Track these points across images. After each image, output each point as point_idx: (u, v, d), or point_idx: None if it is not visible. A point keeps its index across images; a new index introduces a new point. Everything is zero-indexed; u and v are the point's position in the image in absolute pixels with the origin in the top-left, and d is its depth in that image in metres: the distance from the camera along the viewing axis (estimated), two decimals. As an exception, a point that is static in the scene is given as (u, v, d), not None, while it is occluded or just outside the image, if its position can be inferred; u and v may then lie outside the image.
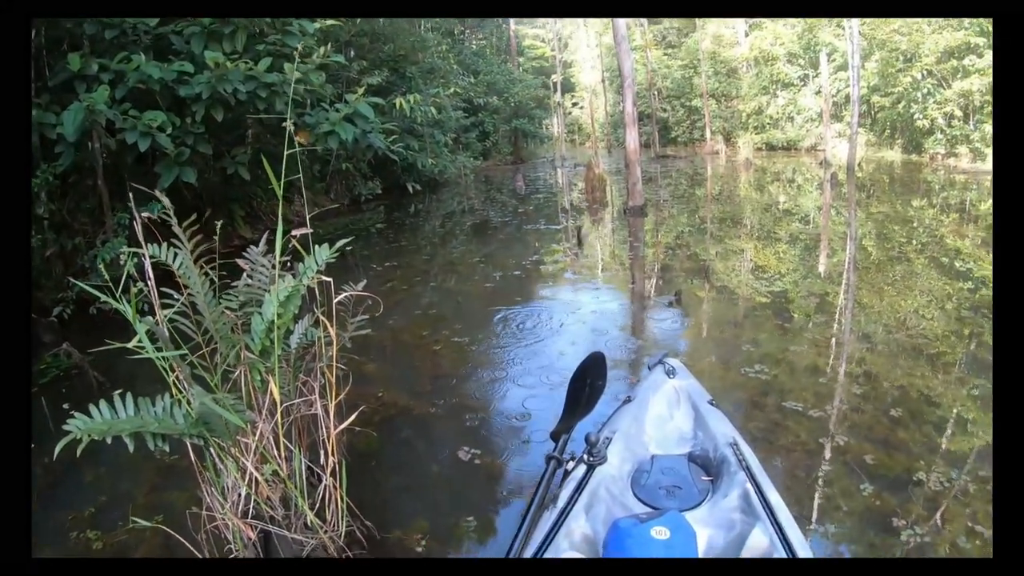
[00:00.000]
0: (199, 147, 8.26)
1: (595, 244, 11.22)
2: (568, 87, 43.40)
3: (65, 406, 5.62)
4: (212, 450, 3.19)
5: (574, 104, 46.00)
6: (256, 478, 3.08)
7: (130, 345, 2.81)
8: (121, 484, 4.45)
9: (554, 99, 34.29)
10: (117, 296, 2.83)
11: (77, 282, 4.33)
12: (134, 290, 2.90)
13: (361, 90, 9.28)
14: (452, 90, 19.45)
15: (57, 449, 2.56)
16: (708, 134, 31.82)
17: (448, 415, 4.91)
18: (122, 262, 2.99)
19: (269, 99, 8.32)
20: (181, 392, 2.94)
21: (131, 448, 2.70)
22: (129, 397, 2.83)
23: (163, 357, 2.88)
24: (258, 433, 3.08)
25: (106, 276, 3.02)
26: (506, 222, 13.40)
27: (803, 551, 2.34)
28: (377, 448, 4.45)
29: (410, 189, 17.11)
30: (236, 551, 3.27)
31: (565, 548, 2.54)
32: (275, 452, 3.13)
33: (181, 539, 3.33)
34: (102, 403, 2.77)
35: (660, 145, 32.40)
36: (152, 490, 4.30)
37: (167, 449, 2.87)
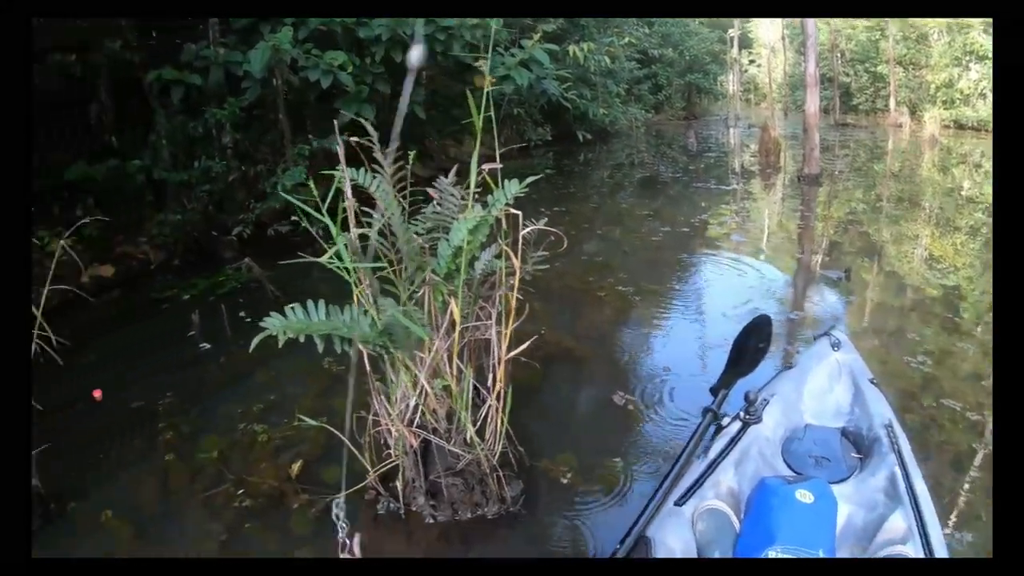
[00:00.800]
0: (378, 86, 8.59)
1: (763, 210, 10.90)
2: (746, 43, 41.36)
3: (241, 314, 6.26)
4: (387, 361, 3.43)
5: (751, 61, 43.83)
6: (427, 390, 3.28)
7: (324, 259, 3.00)
8: (290, 388, 4.87)
9: (731, 55, 32.91)
10: (322, 211, 3.02)
11: (282, 196, 4.56)
12: (343, 205, 3.09)
13: (536, 36, 9.30)
14: (626, 40, 18.99)
15: (254, 342, 2.82)
16: (892, 104, 29.27)
17: (606, 360, 4.99)
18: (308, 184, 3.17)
19: (447, 42, 8.51)
20: (365, 305, 3.14)
21: (321, 348, 2.94)
22: (321, 304, 3.05)
23: (356, 269, 3.09)
24: (434, 349, 3.27)
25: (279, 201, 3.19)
26: (675, 178, 13.19)
27: (939, 546, 2.30)
28: (537, 382, 4.62)
29: (580, 138, 17.00)
30: (396, 456, 3.51)
31: (710, 497, 2.61)
32: (447, 369, 3.32)
33: (343, 438, 3.60)
34: (296, 306, 2.99)
35: (840, 112, 30.30)
36: (319, 395, 4.68)
37: (351, 353, 3.09)
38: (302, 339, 2.91)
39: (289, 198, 3.54)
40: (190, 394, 5.08)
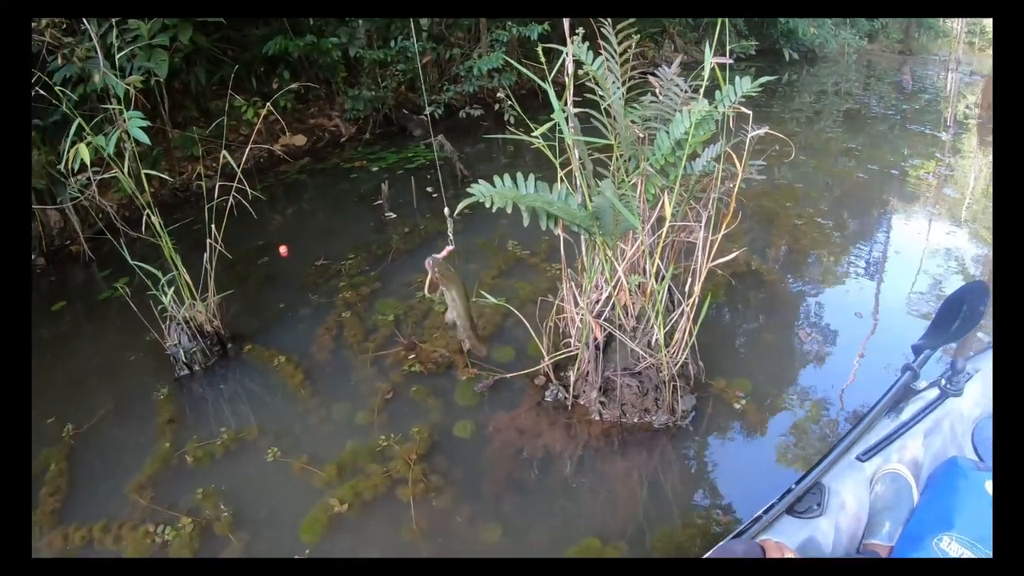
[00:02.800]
0: None
1: (981, 168, 9.91)
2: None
3: (428, 189, 6.34)
4: (586, 247, 3.32)
5: None
6: (623, 284, 3.13)
7: (534, 134, 2.86)
8: (472, 264, 4.88)
9: (960, -11, 29.81)
10: (511, 98, 2.87)
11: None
12: (571, 76, 2.93)
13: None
14: (845, -52, 17.44)
15: (460, 206, 2.85)
16: None
17: (795, 290, 4.70)
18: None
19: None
20: (581, 186, 3.00)
21: (526, 222, 2.84)
22: (531, 177, 2.93)
23: (567, 150, 2.93)
24: (637, 243, 3.10)
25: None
26: (884, 116, 12.15)
27: None
28: (725, 299, 4.40)
29: (786, 56, 15.99)
30: (576, 346, 3.42)
31: (894, 460, 2.41)
32: (645, 266, 3.15)
33: (522, 317, 3.54)
34: (505, 176, 2.89)
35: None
36: (500, 275, 4.67)
37: (557, 232, 2.98)
38: (509, 209, 2.78)
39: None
40: (372, 258, 5.23)
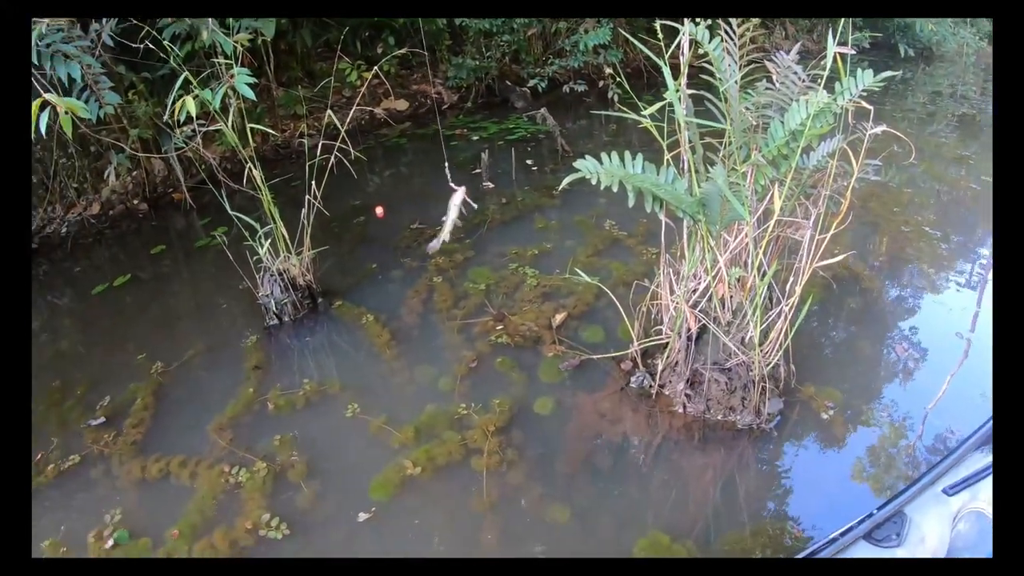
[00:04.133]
0: None
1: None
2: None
3: (528, 162, 6.31)
4: (688, 234, 3.22)
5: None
6: (723, 275, 3.04)
7: (644, 114, 2.78)
8: (567, 241, 4.84)
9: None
10: (619, 74, 2.80)
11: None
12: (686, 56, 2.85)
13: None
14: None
15: (566, 181, 2.73)
16: None
17: (895, 301, 4.50)
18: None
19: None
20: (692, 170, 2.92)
21: (631, 202, 2.76)
22: (639, 156, 2.86)
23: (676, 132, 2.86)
24: (742, 235, 3.01)
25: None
26: (1000, 125, 11.62)
27: None
28: (823, 302, 4.24)
29: (901, 52, 15.35)
30: (667, 334, 3.35)
31: (981, 499, 2.28)
32: (748, 259, 3.05)
33: (614, 299, 3.48)
34: (612, 154, 2.82)
35: None
36: (595, 254, 4.60)
37: (661, 216, 2.91)
38: (615, 188, 2.73)
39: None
40: (467, 226, 5.23)
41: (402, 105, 8.34)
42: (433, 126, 8.03)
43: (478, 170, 6.09)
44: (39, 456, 3.72)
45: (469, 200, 3.25)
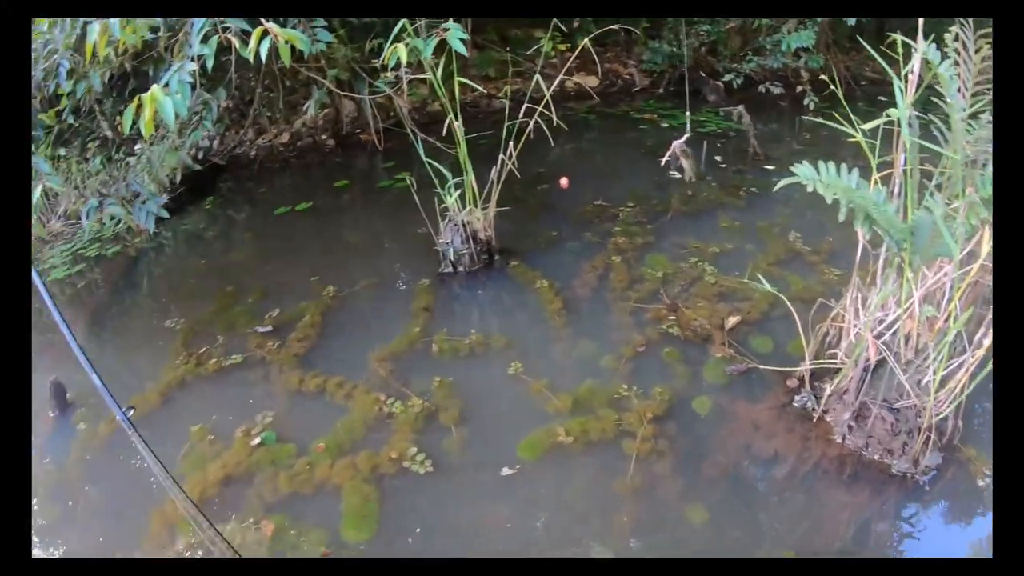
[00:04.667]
0: None
1: None
2: None
3: (717, 158, 6.20)
4: (885, 261, 3.10)
5: None
6: (915, 311, 2.91)
7: (862, 128, 2.66)
8: (748, 244, 4.74)
9: None
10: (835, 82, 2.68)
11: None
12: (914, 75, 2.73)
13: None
14: None
15: (780, 184, 2.67)
16: None
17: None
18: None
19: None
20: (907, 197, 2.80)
21: (843, 217, 2.67)
22: (855, 171, 2.75)
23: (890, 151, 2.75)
24: (941, 273, 2.88)
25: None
26: None
27: None
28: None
29: None
30: (843, 360, 3.25)
31: None
32: (942, 300, 2.90)
33: (793, 312, 3.38)
34: (831, 165, 2.73)
35: None
36: (776, 263, 4.49)
37: (867, 237, 2.82)
38: (829, 199, 2.64)
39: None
40: (650, 212, 5.24)
41: (593, 82, 8.36)
42: (622, 106, 8.03)
43: (666, 158, 6.03)
44: (203, 350, 4.03)
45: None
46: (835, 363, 3.31)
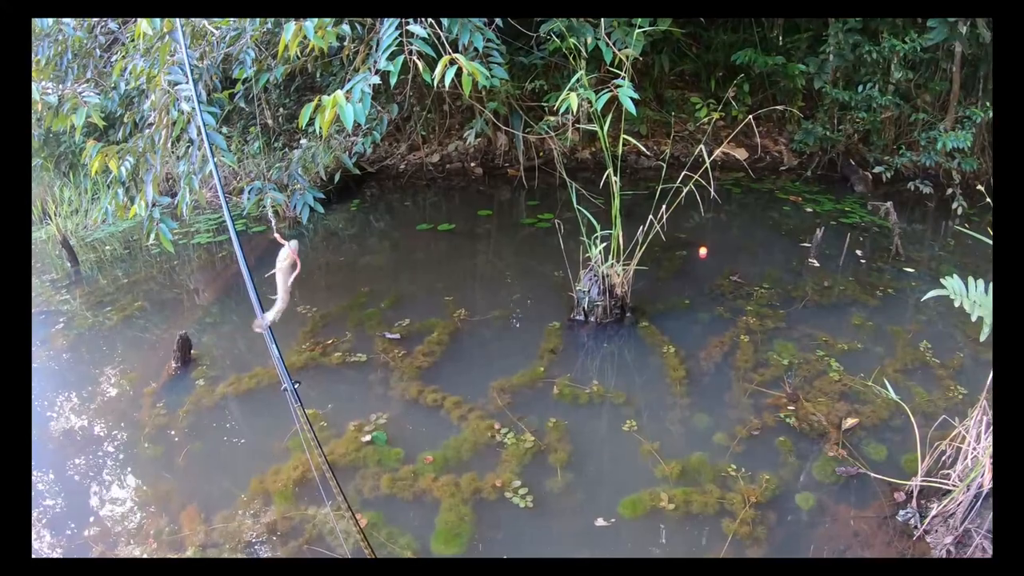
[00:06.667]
0: None
1: None
2: None
3: (857, 252, 6.13)
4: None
5: None
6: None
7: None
8: (877, 346, 4.67)
9: None
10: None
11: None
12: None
13: None
14: None
15: (928, 295, 2.78)
16: None
17: None
18: None
19: None
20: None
21: (984, 337, 2.69)
22: (985, 285, 2.77)
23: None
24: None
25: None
26: None
27: None
28: None
29: None
30: (956, 481, 3.19)
31: None
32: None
33: (914, 425, 3.40)
34: (979, 281, 2.76)
35: None
36: (903, 371, 4.38)
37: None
38: (974, 317, 2.68)
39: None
40: (784, 296, 5.28)
41: (743, 154, 8.42)
42: (767, 183, 8.06)
43: (806, 243, 6.03)
44: (331, 341, 4.30)
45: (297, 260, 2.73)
46: (947, 484, 3.28)
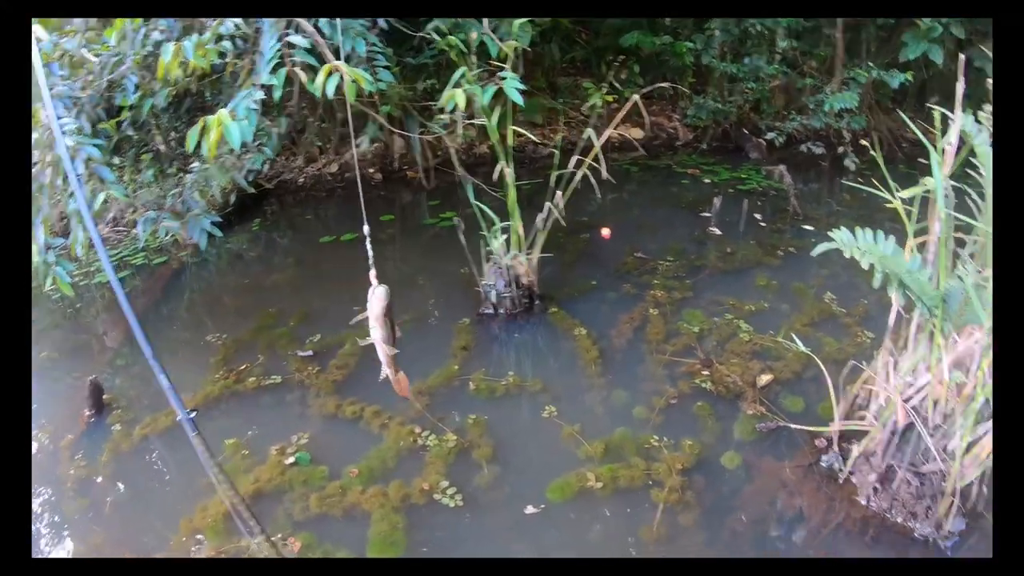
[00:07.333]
0: (952, 28, 7.59)
1: None
2: None
3: (757, 216, 6.28)
4: (917, 326, 3.14)
5: None
6: (945, 377, 2.95)
7: (900, 195, 2.73)
8: (783, 304, 4.81)
9: None
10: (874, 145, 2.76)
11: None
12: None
13: None
14: None
15: (817, 250, 2.74)
16: None
17: None
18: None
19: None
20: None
21: (877, 283, 2.75)
22: (892, 238, 2.83)
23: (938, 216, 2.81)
24: (972, 340, 2.92)
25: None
26: None
27: None
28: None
29: None
30: (871, 423, 3.28)
31: None
32: (972, 367, 2.94)
33: (826, 373, 3.45)
34: (868, 232, 2.80)
35: None
36: (810, 324, 4.55)
37: (900, 303, 2.88)
38: (865, 265, 2.72)
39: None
40: (688, 266, 5.35)
41: (638, 134, 8.54)
42: (665, 159, 8.18)
43: (706, 213, 6.15)
44: (243, 367, 4.17)
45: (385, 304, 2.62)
46: (864, 425, 3.35)
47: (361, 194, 2.68)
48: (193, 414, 2.50)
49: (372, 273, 2.65)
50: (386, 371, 2.70)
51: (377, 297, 2.58)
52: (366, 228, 2.56)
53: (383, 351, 2.65)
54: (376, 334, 2.64)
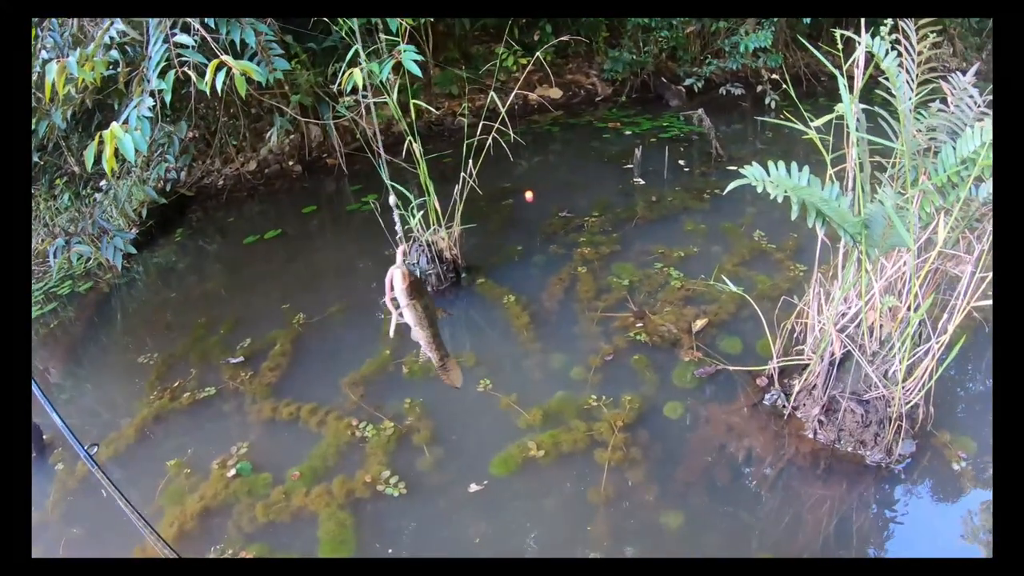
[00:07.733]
0: None
1: None
2: None
3: (680, 162, 6.26)
4: (844, 255, 3.12)
5: None
6: (876, 302, 2.93)
7: (813, 125, 2.68)
8: (714, 246, 4.78)
9: None
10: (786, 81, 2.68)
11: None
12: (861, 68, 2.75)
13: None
14: None
15: (731, 186, 2.64)
16: None
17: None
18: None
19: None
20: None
21: (795, 215, 2.66)
22: (805, 169, 2.76)
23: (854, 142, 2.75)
24: (901, 263, 2.90)
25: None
26: None
27: None
28: (974, 345, 3.98)
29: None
30: (809, 356, 3.27)
31: None
32: (903, 289, 2.93)
33: (759, 312, 3.42)
34: (780, 164, 2.74)
35: None
36: (741, 263, 4.52)
37: (821, 233, 2.83)
38: (779, 199, 2.65)
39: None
40: (615, 220, 5.27)
41: (556, 93, 8.43)
42: (586, 116, 8.08)
43: (629, 165, 6.09)
44: (177, 383, 4.01)
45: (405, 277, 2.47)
46: (802, 359, 3.33)
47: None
48: (94, 449, 2.37)
49: (400, 250, 2.58)
50: (427, 355, 2.61)
51: (396, 280, 2.44)
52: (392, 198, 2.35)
53: (420, 337, 2.57)
54: (409, 318, 2.52)
